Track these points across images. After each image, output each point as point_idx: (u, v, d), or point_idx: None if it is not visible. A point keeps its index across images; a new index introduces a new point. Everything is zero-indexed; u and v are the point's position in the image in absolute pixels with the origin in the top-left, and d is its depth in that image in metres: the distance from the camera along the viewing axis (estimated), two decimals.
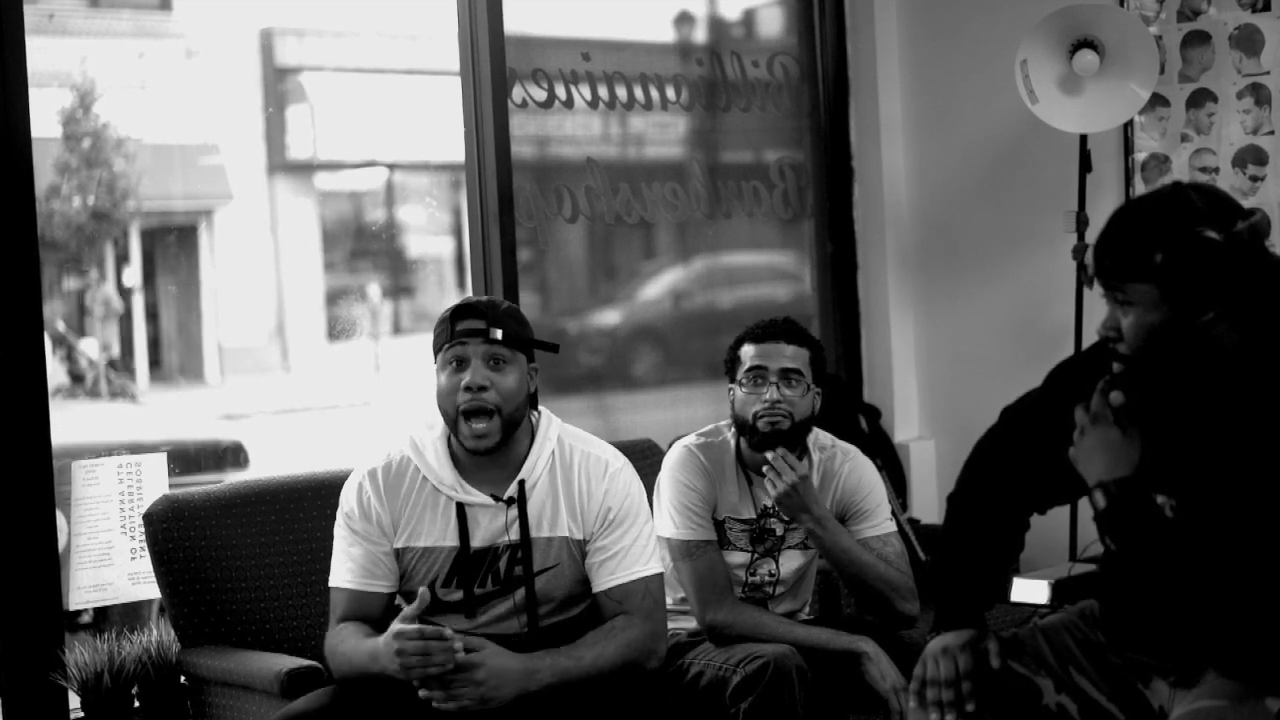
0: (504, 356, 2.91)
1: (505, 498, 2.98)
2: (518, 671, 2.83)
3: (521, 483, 2.99)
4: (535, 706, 2.89)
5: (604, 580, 3.01)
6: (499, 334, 2.90)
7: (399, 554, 3.01)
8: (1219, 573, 2.34)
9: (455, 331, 2.93)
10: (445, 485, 2.98)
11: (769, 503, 3.43)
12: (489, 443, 2.91)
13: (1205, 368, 2.44)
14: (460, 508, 2.97)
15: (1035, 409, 2.75)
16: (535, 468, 3.00)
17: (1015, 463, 2.73)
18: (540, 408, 3.11)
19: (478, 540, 2.97)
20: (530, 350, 3.00)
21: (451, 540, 2.98)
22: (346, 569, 3.01)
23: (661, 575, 3.10)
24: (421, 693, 2.78)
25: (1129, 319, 2.44)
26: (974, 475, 2.79)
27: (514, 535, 2.98)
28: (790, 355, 3.40)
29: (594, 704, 2.94)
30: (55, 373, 8.52)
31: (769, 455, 3.34)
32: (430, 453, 3.01)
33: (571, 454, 3.04)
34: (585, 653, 2.93)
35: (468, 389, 2.88)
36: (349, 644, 2.91)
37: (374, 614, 2.99)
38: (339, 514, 3.05)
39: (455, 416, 2.92)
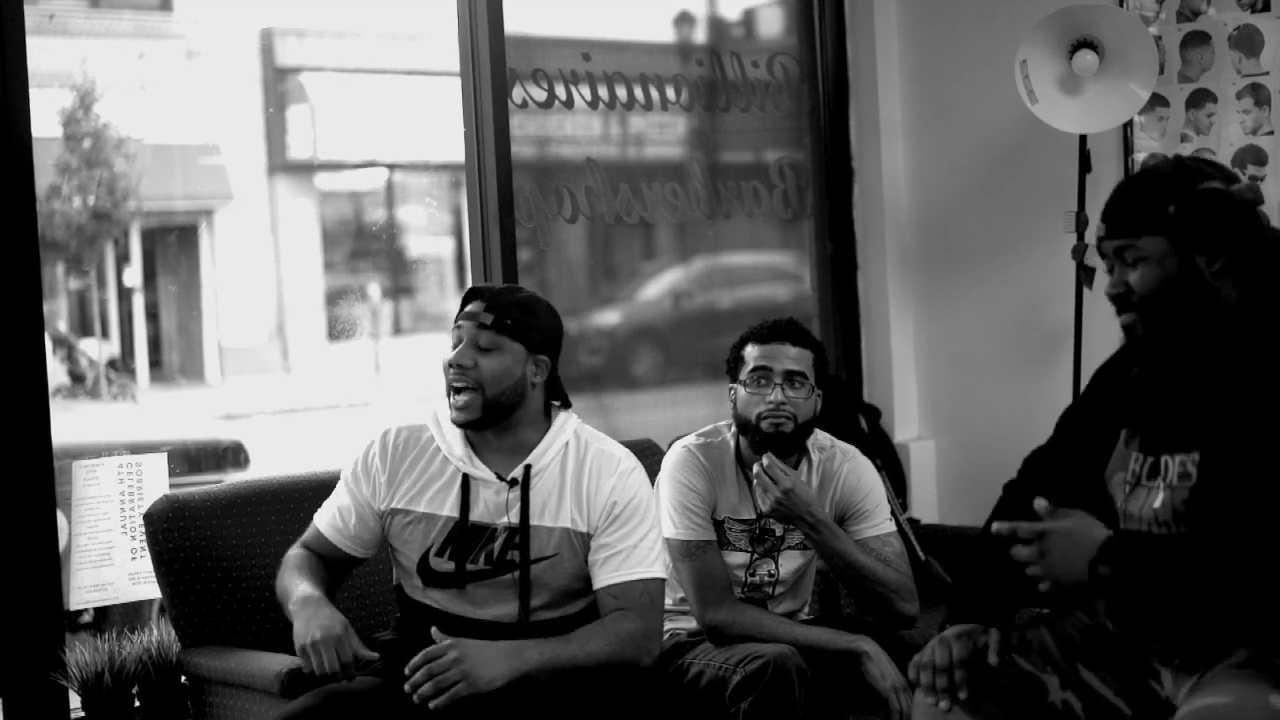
0: (492, 342, 3.01)
1: (509, 478, 3.03)
2: (500, 651, 2.86)
3: (528, 467, 3.03)
4: (531, 707, 2.90)
5: (604, 577, 3.03)
6: (489, 319, 3.02)
7: (392, 514, 3.07)
8: (1240, 554, 2.35)
9: (460, 313, 3.08)
10: (455, 456, 3.06)
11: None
12: (467, 415, 3.01)
13: (1212, 320, 2.51)
14: (465, 480, 3.03)
15: (1079, 412, 2.78)
16: (545, 455, 3.06)
17: (1058, 472, 2.76)
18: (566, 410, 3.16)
19: (476, 515, 3.02)
20: (531, 340, 3.04)
21: (451, 510, 3.04)
22: (329, 516, 3.14)
23: (663, 580, 3.10)
24: (409, 687, 2.80)
25: (1138, 273, 2.52)
26: (1019, 485, 2.82)
27: (514, 518, 3.02)
28: (794, 357, 3.40)
29: (591, 703, 2.95)
30: (55, 373, 8.52)
31: (755, 466, 3.33)
32: (446, 425, 3.09)
33: (585, 449, 3.10)
34: (575, 639, 2.96)
35: (451, 366, 3.02)
36: (290, 576, 3.05)
37: (334, 562, 3.12)
38: (350, 461, 3.14)
39: (447, 391, 3.05)
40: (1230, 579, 2.36)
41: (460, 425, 3.03)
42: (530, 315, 3.05)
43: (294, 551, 3.13)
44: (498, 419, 3.03)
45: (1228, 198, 2.50)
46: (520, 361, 3.02)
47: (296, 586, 2.99)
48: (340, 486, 3.14)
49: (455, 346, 3.04)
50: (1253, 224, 2.52)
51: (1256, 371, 2.46)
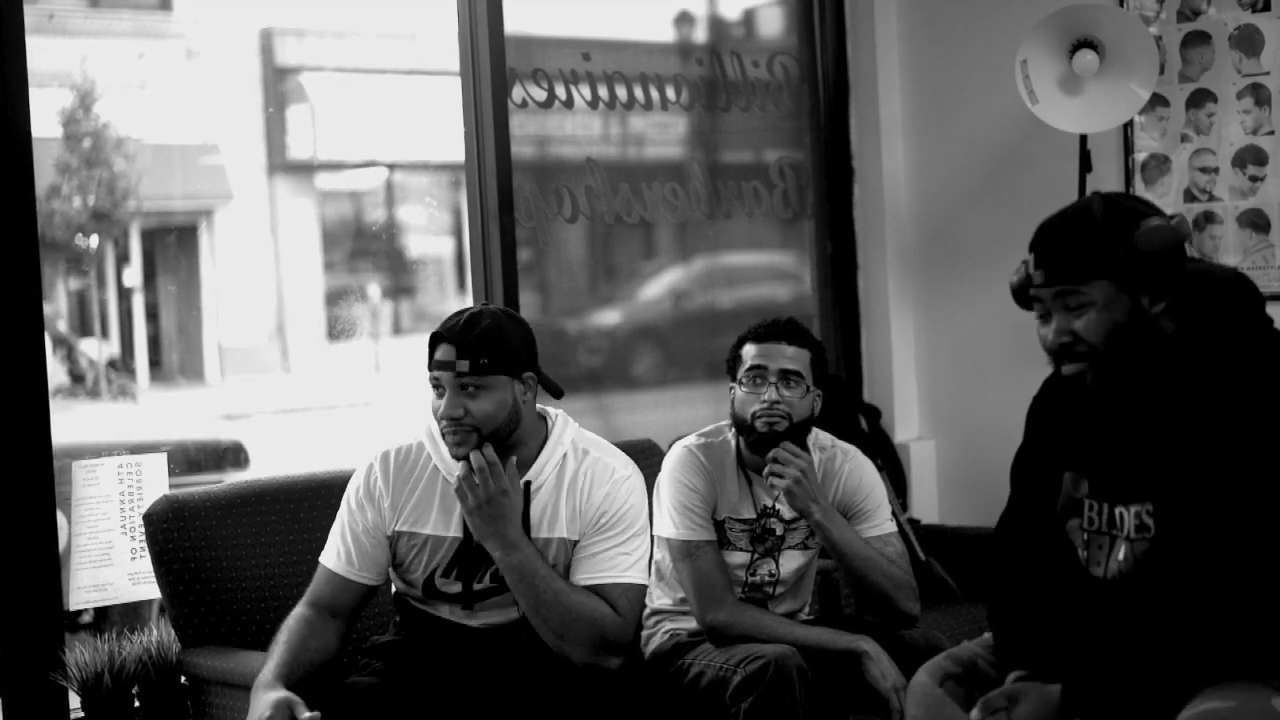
0: (475, 384, 2.93)
1: None
2: (503, 527, 2.89)
3: (527, 484, 3.00)
4: (529, 709, 2.90)
5: (581, 577, 2.99)
6: (465, 366, 2.92)
7: (397, 538, 3.04)
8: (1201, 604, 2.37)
9: (431, 361, 2.98)
10: (455, 476, 3.00)
11: (769, 502, 3.43)
12: (468, 450, 2.95)
13: (1161, 363, 2.48)
14: None
15: (1026, 460, 2.74)
16: (543, 471, 3.03)
17: (1027, 533, 2.72)
18: (558, 411, 3.12)
19: None
20: (513, 368, 2.97)
21: (455, 531, 3.01)
22: (335, 551, 3.07)
23: (644, 589, 3.07)
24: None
25: (1084, 320, 2.47)
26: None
27: None
28: (790, 356, 3.40)
29: (589, 706, 2.94)
30: (55, 373, 8.52)
31: (772, 453, 3.34)
32: (443, 444, 3.03)
33: (582, 459, 3.06)
34: (562, 582, 2.93)
35: (443, 419, 2.95)
36: (271, 650, 2.94)
37: (349, 602, 3.03)
38: (348, 489, 3.09)
39: (441, 434, 2.99)
40: (1200, 636, 2.37)
41: (462, 460, 2.97)
42: (501, 343, 2.95)
43: (294, 613, 3.01)
44: (499, 444, 2.98)
45: (1172, 234, 2.45)
46: (508, 390, 2.96)
47: (264, 666, 2.90)
48: (343, 517, 3.08)
49: (437, 394, 2.96)
50: (1184, 260, 2.48)
51: (1202, 417, 2.42)
